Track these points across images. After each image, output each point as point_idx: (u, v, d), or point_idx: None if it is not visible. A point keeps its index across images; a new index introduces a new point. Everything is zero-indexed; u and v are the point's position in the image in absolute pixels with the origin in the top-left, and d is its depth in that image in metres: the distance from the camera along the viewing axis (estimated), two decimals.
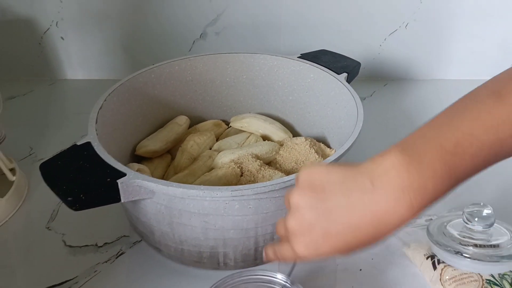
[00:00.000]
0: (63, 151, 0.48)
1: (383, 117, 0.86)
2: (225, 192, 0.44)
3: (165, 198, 0.47)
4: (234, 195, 0.45)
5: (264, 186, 0.45)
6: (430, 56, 0.95)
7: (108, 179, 0.44)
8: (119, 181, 0.44)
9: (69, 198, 0.42)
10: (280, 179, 0.46)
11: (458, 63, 0.96)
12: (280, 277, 0.47)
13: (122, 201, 0.45)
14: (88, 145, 0.49)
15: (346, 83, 0.63)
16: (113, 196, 0.45)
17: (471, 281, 0.48)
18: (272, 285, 0.47)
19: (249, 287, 0.48)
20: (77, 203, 0.43)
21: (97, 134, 0.51)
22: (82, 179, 0.45)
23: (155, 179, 0.45)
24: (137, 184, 0.45)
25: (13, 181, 0.63)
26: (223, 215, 0.47)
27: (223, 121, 0.76)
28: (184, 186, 0.44)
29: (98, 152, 0.48)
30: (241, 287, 0.48)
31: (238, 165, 0.59)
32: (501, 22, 0.91)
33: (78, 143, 0.49)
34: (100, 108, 0.57)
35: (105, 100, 0.58)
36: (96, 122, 0.54)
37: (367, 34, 0.92)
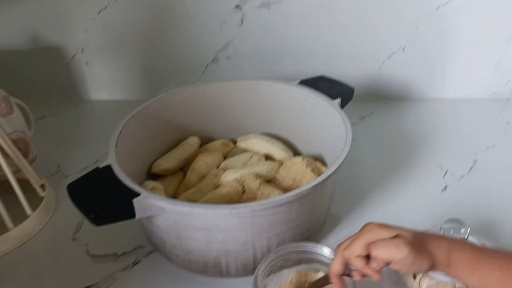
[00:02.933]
0: (87, 174, 0.56)
1: (382, 134, 0.92)
2: (224, 210, 0.52)
3: (173, 214, 0.54)
4: (233, 213, 0.52)
5: (259, 205, 0.52)
6: (427, 77, 1.00)
7: (125, 199, 0.52)
8: (134, 200, 0.51)
9: (92, 215, 0.50)
10: (273, 199, 0.53)
11: (454, 83, 1.01)
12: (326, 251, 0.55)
13: (137, 217, 0.53)
14: (108, 167, 0.57)
15: (339, 109, 0.70)
16: (130, 213, 0.52)
17: None
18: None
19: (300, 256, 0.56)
20: (98, 219, 0.50)
21: (116, 158, 0.59)
22: (102, 198, 0.52)
23: (165, 198, 0.53)
24: (149, 203, 0.52)
25: (43, 197, 0.72)
26: (224, 229, 0.54)
27: (231, 140, 0.83)
28: (189, 205, 0.52)
29: (117, 174, 0.56)
30: (293, 256, 0.55)
31: (240, 183, 0.66)
32: (494, 46, 0.95)
33: (100, 166, 0.57)
34: (120, 133, 0.64)
35: (124, 126, 0.66)
36: (116, 146, 0.61)
37: (367, 57, 0.98)
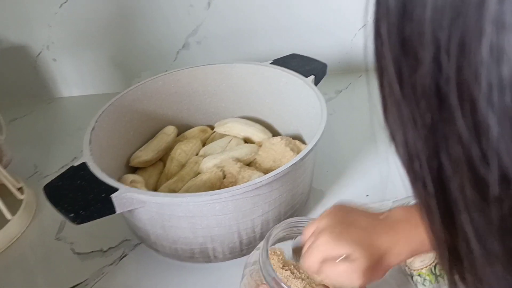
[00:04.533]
0: (63, 173, 0.55)
1: (359, 107, 0.92)
2: (205, 197, 0.51)
3: (155, 206, 0.54)
4: (214, 199, 0.52)
5: (238, 189, 0.52)
6: None
7: (103, 195, 0.51)
8: (112, 195, 0.51)
9: (71, 215, 0.49)
10: (252, 181, 0.53)
11: None
12: None
13: (117, 212, 0.52)
14: (84, 165, 0.56)
15: (313, 86, 0.70)
16: (109, 208, 0.52)
17: (427, 253, 0.55)
18: None
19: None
20: (78, 218, 0.50)
21: (91, 154, 0.58)
22: (80, 196, 0.52)
23: (144, 191, 0.52)
24: (129, 197, 0.52)
25: (22, 200, 0.71)
26: (207, 215, 0.54)
27: (209, 126, 0.82)
28: (169, 195, 0.52)
29: (92, 171, 0.55)
30: (294, 230, 0.53)
31: (220, 168, 0.66)
32: None
33: (75, 164, 0.56)
34: (93, 129, 0.63)
35: (96, 121, 0.65)
36: (90, 143, 0.61)
37: (339, 30, 0.98)
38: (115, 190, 0.52)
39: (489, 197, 0.16)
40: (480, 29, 0.14)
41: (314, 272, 0.44)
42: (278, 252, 0.54)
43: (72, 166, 0.56)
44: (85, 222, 0.51)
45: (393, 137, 0.20)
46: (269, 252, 0.52)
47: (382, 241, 0.42)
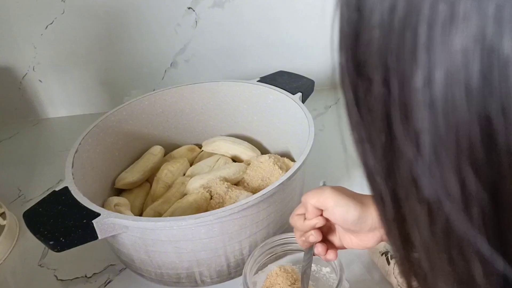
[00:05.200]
0: (43, 198, 0.54)
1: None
2: (189, 221, 0.50)
3: (137, 231, 0.52)
4: (198, 222, 0.50)
5: (223, 211, 0.50)
6: None
7: (85, 221, 0.50)
8: (94, 221, 0.49)
9: (51, 242, 0.48)
10: (238, 203, 0.51)
11: None
12: None
13: (99, 238, 0.51)
14: (65, 189, 0.55)
15: (300, 103, 0.69)
16: (91, 235, 0.50)
17: None
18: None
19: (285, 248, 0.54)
20: (58, 245, 0.48)
21: (73, 178, 0.57)
22: (61, 223, 0.50)
23: (126, 215, 0.51)
24: (110, 222, 0.50)
25: (4, 225, 0.69)
26: (192, 239, 0.53)
27: (197, 145, 0.81)
28: (152, 219, 0.50)
29: (74, 195, 0.53)
30: (277, 249, 0.54)
31: (207, 189, 0.64)
32: None
33: (57, 189, 0.55)
34: (76, 151, 0.62)
35: (80, 144, 0.63)
36: (72, 167, 0.59)
37: (326, 46, 0.98)
38: (97, 215, 0.50)
39: (431, 214, 0.17)
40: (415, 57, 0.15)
41: (300, 209, 0.45)
42: (289, 270, 0.54)
43: (54, 191, 0.55)
44: (66, 249, 0.49)
45: (357, 157, 0.21)
46: (279, 269, 0.52)
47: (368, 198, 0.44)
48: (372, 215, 0.42)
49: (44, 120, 1.02)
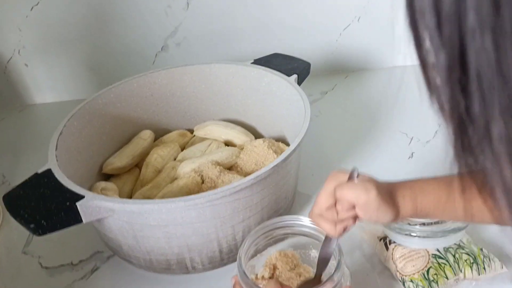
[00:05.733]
0: (25, 181, 0.51)
1: (346, 107, 0.90)
2: (179, 203, 0.47)
3: (124, 214, 0.49)
4: (189, 205, 0.48)
5: (215, 194, 0.48)
6: (386, 45, 0.98)
7: (68, 203, 0.47)
8: (78, 203, 0.47)
9: (31, 225, 0.45)
10: (231, 185, 0.49)
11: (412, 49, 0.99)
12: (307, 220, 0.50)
13: (84, 222, 0.48)
14: (48, 172, 0.52)
15: (296, 85, 0.66)
16: (74, 218, 0.47)
17: (419, 257, 0.52)
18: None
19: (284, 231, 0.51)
20: (39, 229, 0.45)
21: (57, 160, 0.54)
22: (43, 205, 0.47)
23: (112, 198, 0.48)
24: (95, 205, 0.48)
25: None
26: (182, 224, 0.50)
27: (188, 130, 0.78)
28: (139, 201, 0.47)
29: (58, 177, 0.51)
30: (275, 233, 0.51)
31: (198, 173, 0.62)
32: None
33: (39, 171, 0.52)
34: (60, 134, 0.59)
35: (64, 126, 0.61)
36: (56, 149, 0.56)
37: (323, 31, 0.95)
38: (81, 197, 0.48)
39: None
40: None
41: (329, 200, 0.44)
42: (290, 255, 0.52)
43: (36, 173, 0.52)
44: (47, 233, 0.46)
45: None
46: (278, 254, 0.51)
47: (388, 184, 0.44)
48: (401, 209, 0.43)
49: (30, 106, 0.99)
